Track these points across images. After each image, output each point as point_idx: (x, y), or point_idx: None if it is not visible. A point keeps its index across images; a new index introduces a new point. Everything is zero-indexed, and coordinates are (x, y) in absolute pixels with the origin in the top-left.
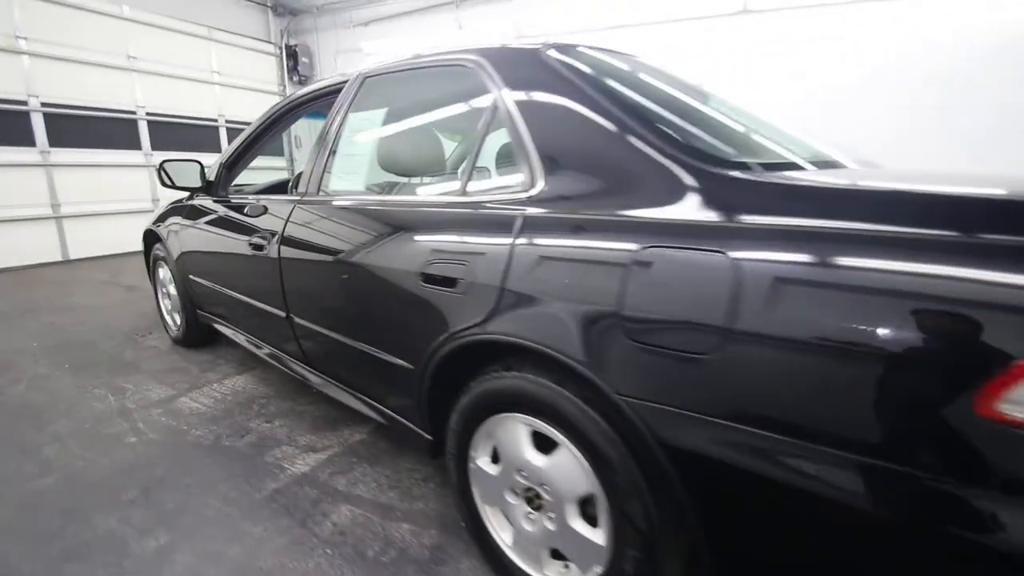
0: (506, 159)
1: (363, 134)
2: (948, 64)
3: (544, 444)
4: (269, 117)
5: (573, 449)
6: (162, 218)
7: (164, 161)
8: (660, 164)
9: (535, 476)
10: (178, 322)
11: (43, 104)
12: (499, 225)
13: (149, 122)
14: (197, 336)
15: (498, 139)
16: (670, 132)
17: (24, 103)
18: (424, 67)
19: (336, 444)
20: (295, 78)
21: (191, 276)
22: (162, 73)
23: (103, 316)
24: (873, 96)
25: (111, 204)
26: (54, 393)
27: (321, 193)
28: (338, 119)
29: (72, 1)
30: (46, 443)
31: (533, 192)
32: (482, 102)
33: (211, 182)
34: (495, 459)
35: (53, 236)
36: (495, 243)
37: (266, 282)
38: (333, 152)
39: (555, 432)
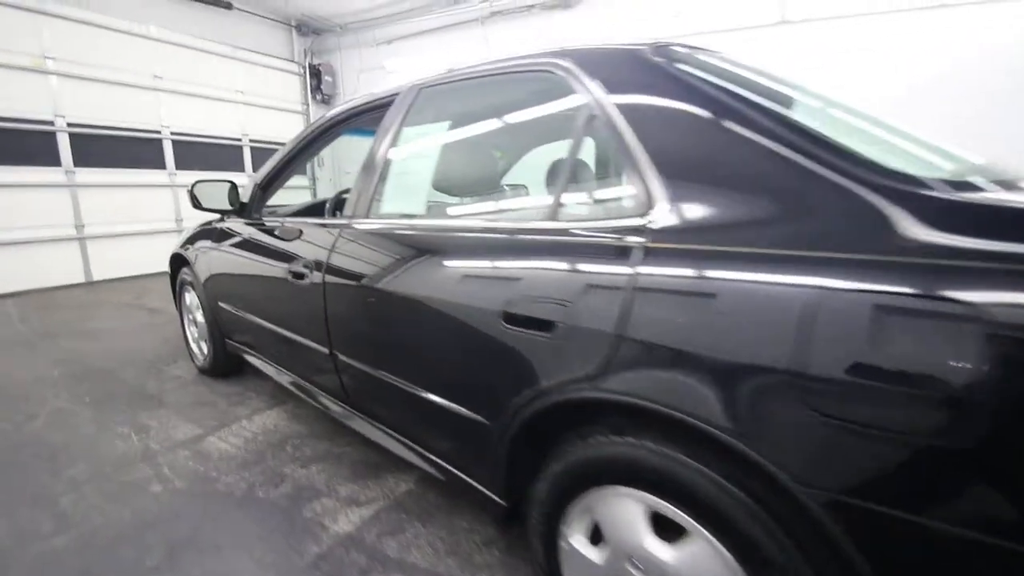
0: (601, 176)
1: (420, 151)
2: (989, 74)
3: (668, 527)
4: (309, 135)
5: (714, 542)
6: (190, 240)
7: (196, 182)
8: (832, 181)
9: (656, 569)
10: (205, 351)
11: (69, 124)
12: (610, 257)
13: (174, 141)
14: (225, 366)
15: (581, 153)
16: (831, 142)
17: (51, 123)
18: (492, 75)
19: (381, 496)
20: (318, 97)
21: (220, 303)
22: (187, 92)
23: (125, 342)
24: (914, 109)
25: (135, 224)
26: (73, 431)
27: (372, 217)
28: (389, 135)
29: (100, 21)
30: (62, 492)
31: (653, 217)
32: (572, 112)
33: (244, 204)
34: (595, 538)
35: (76, 257)
36: (607, 279)
37: (306, 314)
38: (385, 172)
39: (687, 518)
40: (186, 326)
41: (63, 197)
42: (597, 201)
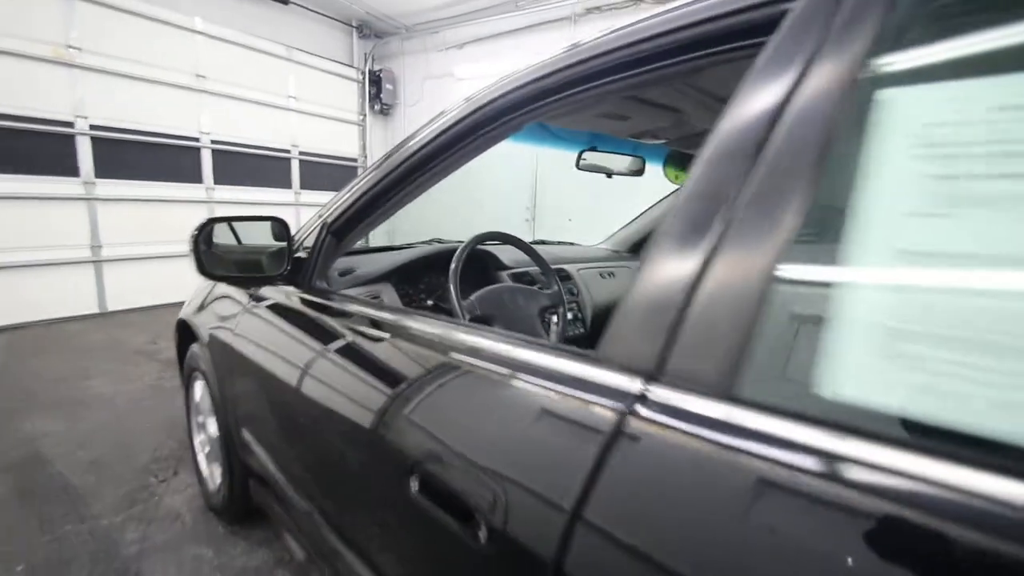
0: None
1: None
2: None
3: None
4: (441, 131)
5: None
6: (207, 304)
7: (209, 222)
8: None
9: None
10: (216, 480)
11: (92, 127)
12: None
13: (214, 151)
14: (244, 509)
15: None
16: None
17: (70, 124)
18: None
19: None
20: (376, 107)
21: (245, 432)
22: (233, 96)
23: (118, 424)
24: None
25: (161, 246)
26: None
27: None
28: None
29: (139, 9)
30: None
31: None
32: None
33: (300, 260)
34: None
35: (90, 283)
36: None
37: None
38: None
39: None
40: (194, 430)
41: (79, 213)
42: None
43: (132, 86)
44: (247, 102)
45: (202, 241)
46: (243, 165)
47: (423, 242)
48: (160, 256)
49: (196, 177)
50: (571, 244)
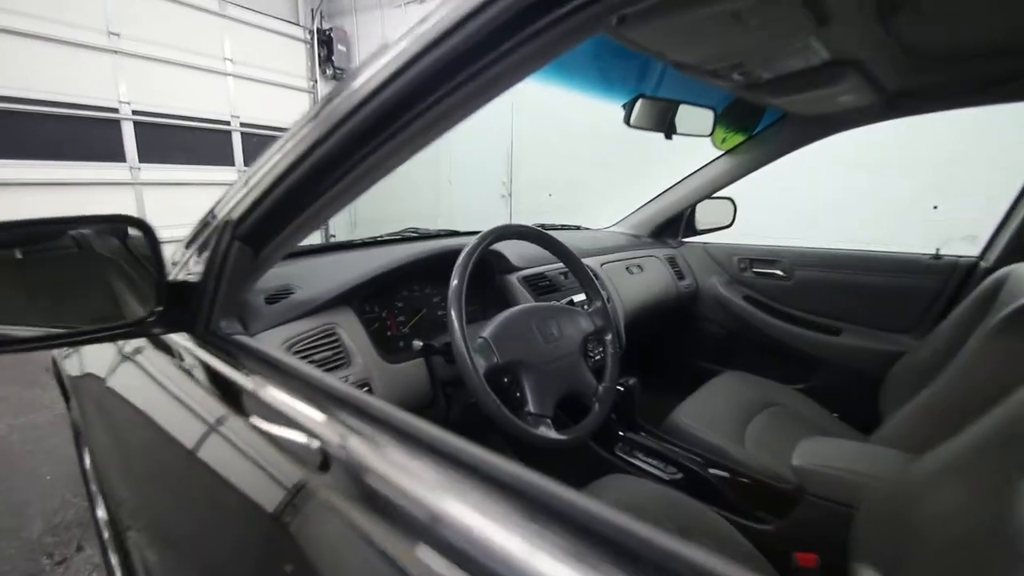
0: None
1: None
2: None
3: None
4: (437, 40)
5: None
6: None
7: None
8: None
9: None
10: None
11: None
12: None
13: (137, 123)
14: None
15: None
16: None
17: None
18: None
19: None
20: (328, 71)
21: (131, 545)
22: (157, 58)
23: (6, 475)
24: None
25: None
26: None
27: None
28: None
29: None
30: None
31: None
32: None
33: (187, 289)
34: None
35: None
36: None
37: None
38: None
39: None
40: (95, 500)
41: None
42: None
43: (28, 46)
44: (175, 65)
45: None
46: (174, 139)
47: (393, 235)
48: None
49: (118, 155)
50: (578, 228)
